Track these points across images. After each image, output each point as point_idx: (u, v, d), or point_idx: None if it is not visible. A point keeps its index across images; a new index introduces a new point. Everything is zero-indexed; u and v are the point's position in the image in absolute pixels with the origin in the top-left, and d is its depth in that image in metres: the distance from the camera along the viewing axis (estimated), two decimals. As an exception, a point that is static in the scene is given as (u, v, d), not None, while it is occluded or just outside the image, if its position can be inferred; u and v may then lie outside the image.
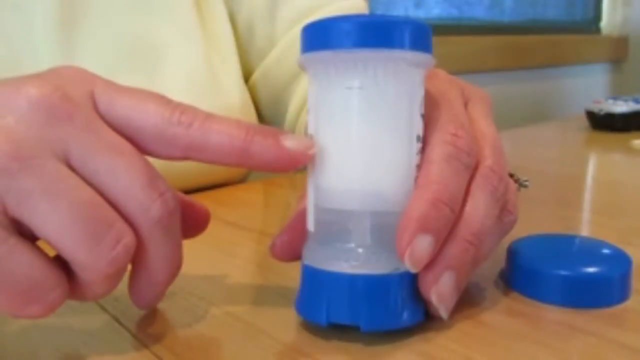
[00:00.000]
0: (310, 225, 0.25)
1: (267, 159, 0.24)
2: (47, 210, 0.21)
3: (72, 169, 0.22)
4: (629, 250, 0.29)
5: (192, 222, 0.28)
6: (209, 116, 0.24)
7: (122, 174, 0.22)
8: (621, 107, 0.82)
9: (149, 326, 0.26)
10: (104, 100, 0.24)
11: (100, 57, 0.46)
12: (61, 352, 0.24)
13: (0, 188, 0.20)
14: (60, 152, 0.22)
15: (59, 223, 0.21)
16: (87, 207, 0.21)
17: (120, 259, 0.22)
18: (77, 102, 0.22)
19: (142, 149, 0.24)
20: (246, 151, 0.24)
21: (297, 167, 0.25)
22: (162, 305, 0.28)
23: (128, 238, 0.22)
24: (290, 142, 0.24)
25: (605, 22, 1.73)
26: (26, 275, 0.21)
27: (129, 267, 0.24)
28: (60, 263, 0.22)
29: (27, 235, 0.21)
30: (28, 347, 0.25)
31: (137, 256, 0.23)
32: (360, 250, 0.24)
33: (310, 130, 0.25)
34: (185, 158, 0.24)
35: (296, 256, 0.27)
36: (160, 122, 0.23)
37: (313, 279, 0.25)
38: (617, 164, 0.66)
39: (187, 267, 0.28)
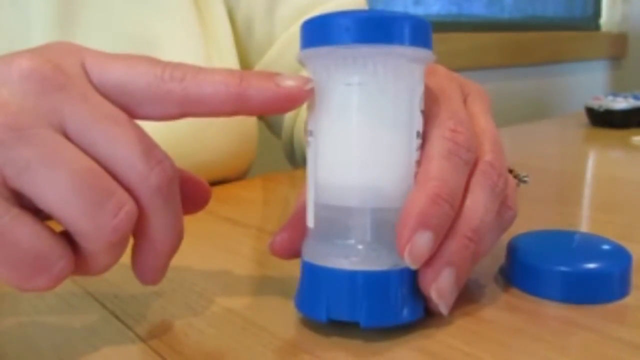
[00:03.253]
0: (310, 222, 0.25)
1: (265, 100, 0.24)
2: (47, 179, 0.21)
3: (68, 139, 0.22)
4: (629, 247, 0.29)
5: (192, 197, 0.27)
6: (200, 69, 0.24)
7: (119, 144, 0.22)
8: (621, 103, 0.82)
9: (148, 322, 0.26)
10: (96, 70, 0.23)
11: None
12: (61, 349, 0.24)
13: None
14: (56, 123, 0.22)
15: (59, 192, 0.21)
16: (87, 175, 0.21)
17: (123, 226, 0.22)
18: (69, 73, 0.22)
19: (138, 113, 0.24)
20: (243, 96, 0.23)
21: (296, 105, 0.24)
22: (161, 302, 0.28)
23: (129, 205, 0.22)
24: (286, 81, 0.24)
25: (604, 19, 1.73)
26: (31, 246, 0.21)
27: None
28: (65, 236, 0.22)
29: (29, 209, 0.21)
30: (28, 344, 0.25)
31: (139, 226, 0.23)
32: (359, 246, 0.24)
33: (310, 126, 0.25)
34: (182, 115, 0.24)
35: (296, 253, 0.27)
36: (153, 80, 0.23)
37: (313, 275, 0.25)
38: (616, 161, 0.66)
39: (186, 264, 0.28)
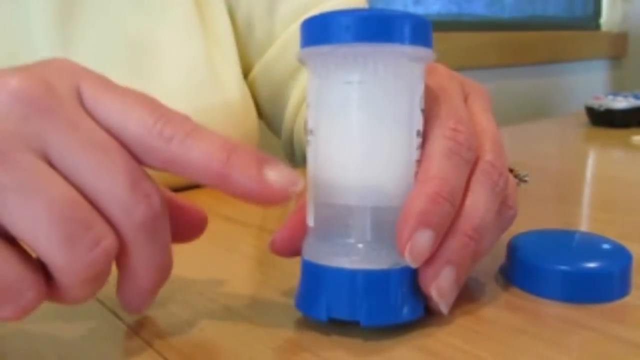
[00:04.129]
0: (310, 221, 0.25)
1: (246, 189, 0.22)
2: (21, 207, 0.19)
3: (51, 165, 0.21)
4: (629, 246, 0.29)
5: (186, 226, 0.27)
6: (193, 131, 0.22)
7: (104, 173, 0.21)
8: (621, 103, 0.82)
9: (148, 321, 0.26)
10: (89, 97, 0.22)
11: (99, 51, 0.46)
12: (61, 348, 0.24)
13: None
14: (39, 147, 0.20)
15: (33, 221, 0.20)
16: (65, 205, 0.20)
17: (98, 262, 0.21)
18: (60, 95, 0.21)
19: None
20: (225, 177, 0.22)
21: (277, 204, 0.23)
22: (161, 301, 0.28)
23: (108, 241, 0.21)
24: (272, 175, 0.22)
25: (605, 19, 1.73)
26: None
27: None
28: (39, 263, 0.21)
29: (2, 232, 0.20)
30: (28, 343, 0.25)
31: (121, 260, 0.22)
32: (360, 245, 0.24)
33: (310, 125, 0.25)
34: (164, 170, 0.23)
35: (296, 252, 0.27)
36: (141, 132, 0.22)
37: (313, 274, 0.25)
38: (617, 160, 0.66)
39: (186, 263, 0.28)
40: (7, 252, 0.20)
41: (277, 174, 0.22)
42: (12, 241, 0.20)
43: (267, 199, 0.23)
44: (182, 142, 0.22)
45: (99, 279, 0.22)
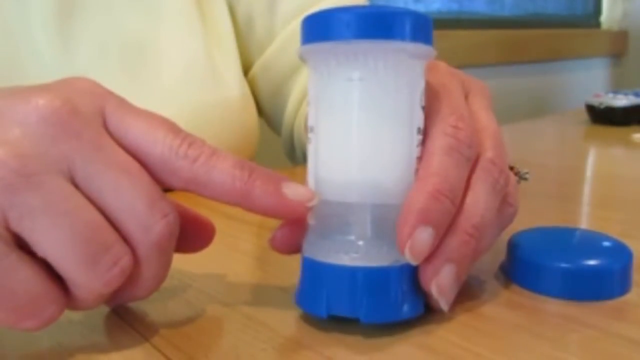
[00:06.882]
0: (310, 218, 0.25)
1: (266, 205, 0.24)
2: (47, 228, 0.21)
3: (76, 185, 0.22)
4: (630, 243, 0.29)
5: (196, 237, 0.28)
6: (214, 152, 0.24)
7: (125, 193, 0.22)
8: (621, 100, 0.82)
9: (148, 319, 0.26)
10: (114, 120, 0.23)
11: (99, 49, 0.46)
12: (61, 346, 0.24)
13: (4, 203, 0.20)
14: (66, 169, 0.21)
15: (57, 243, 0.21)
16: (88, 228, 0.21)
17: (115, 281, 0.22)
18: (86, 117, 0.22)
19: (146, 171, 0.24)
20: (246, 194, 0.24)
21: (295, 217, 0.25)
22: (161, 298, 0.28)
23: (125, 260, 0.22)
24: (290, 192, 0.24)
25: (605, 17, 1.73)
26: (25, 291, 0.21)
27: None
28: (58, 277, 0.22)
29: (28, 248, 0.21)
30: (28, 340, 0.25)
31: (131, 272, 0.23)
32: (360, 242, 0.24)
33: (311, 122, 0.25)
34: (186, 190, 0.24)
35: (296, 249, 0.27)
36: (167, 152, 0.23)
37: (313, 271, 0.25)
38: (617, 158, 0.66)
39: (186, 260, 0.28)
40: (32, 270, 0.21)
41: (293, 191, 0.24)
42: (36, 257, 0.21)
43: (285, 213, 0.25)
44: (206, 162, 0.23)
45: (111, 292, 0.23)
